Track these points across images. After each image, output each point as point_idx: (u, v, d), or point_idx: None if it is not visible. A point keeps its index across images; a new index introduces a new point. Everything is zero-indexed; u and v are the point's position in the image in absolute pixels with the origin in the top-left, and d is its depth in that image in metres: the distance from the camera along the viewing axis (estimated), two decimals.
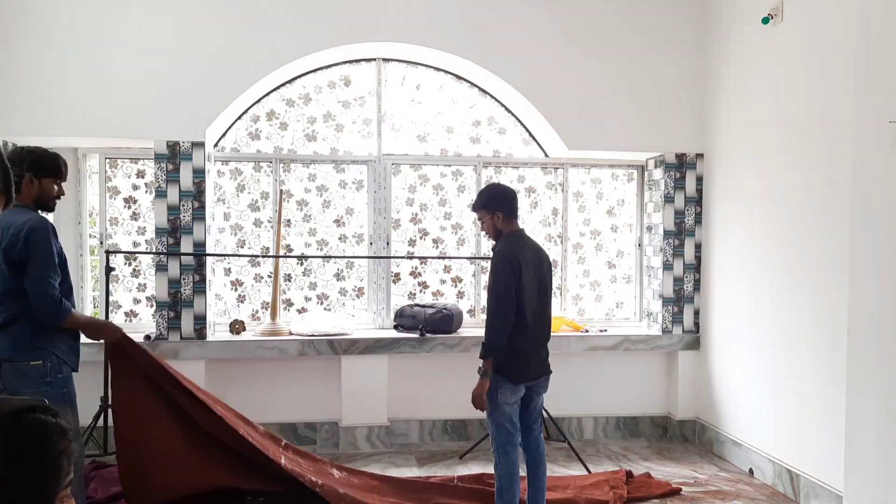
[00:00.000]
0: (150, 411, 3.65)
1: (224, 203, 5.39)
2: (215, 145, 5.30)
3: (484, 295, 5.47)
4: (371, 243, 5.50)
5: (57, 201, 3.46)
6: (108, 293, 4.74)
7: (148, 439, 3.64)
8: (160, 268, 4.96)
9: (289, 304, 5.49)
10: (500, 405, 3.39)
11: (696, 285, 5.48)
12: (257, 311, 5.43)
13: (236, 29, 5.00)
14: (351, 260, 5.52)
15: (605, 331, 5.55)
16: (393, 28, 5.13)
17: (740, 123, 4.93)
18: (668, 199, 5.45)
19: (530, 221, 5.71)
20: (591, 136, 5.35)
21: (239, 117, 5.36)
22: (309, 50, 5.07)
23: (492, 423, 3.45)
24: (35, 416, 1.13)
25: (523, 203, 5.69)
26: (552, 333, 3.57)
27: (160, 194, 4.97)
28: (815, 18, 4.12)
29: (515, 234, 3.55)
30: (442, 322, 5.21)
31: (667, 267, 5.47)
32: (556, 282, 5.46)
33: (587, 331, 5.51)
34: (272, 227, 5.37)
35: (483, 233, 4.04)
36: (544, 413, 4.78)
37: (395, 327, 5.42)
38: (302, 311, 5.49)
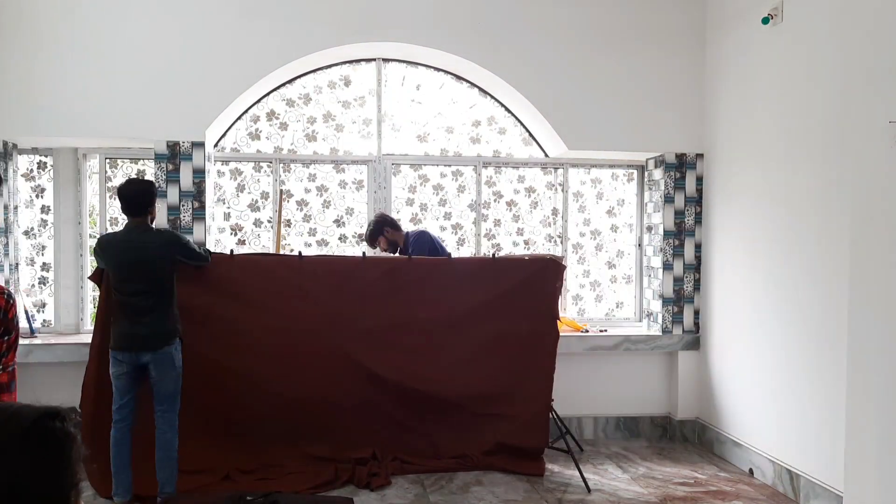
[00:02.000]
0: None
1: (224, 203, 5.39)
2: (215, 145, 5.30)
3: None
4: None
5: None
6: None
7: None
8: None
9: None
10: None
11: (696, 285, 5.48)
12: None
13: (236, 29, 5.00)
14: None
15: (605, 331, 5.55)
16: (393, 28, 5.13)
17: (740, 123, 4.93)
18: (668, 199, 5.45)
19: (530, 222, 5.71)
20: (591, 136, 5.35)
21: (239, 117, 5.36)
22: (309, 50, 5.07)
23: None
24: (55, 425, 1.16)
25: (523, 203, 5.70)
26: None
27: (160, 194, 4.96)
28: (815, 18, 4.12)
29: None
30: None
31: (667, 267, 5.47)
32: None
33: (587, 331, 5.51)
34: (272, 227, 5.37)
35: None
36: (553, 414, 4.77)
37: None
38: None
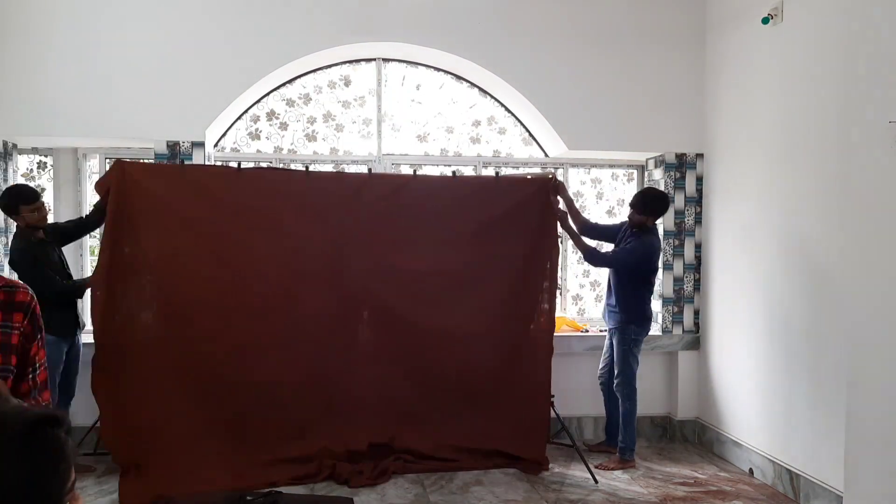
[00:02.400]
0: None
1: None
2: (215, 145, 5.30)
3: None
4: None
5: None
6: None
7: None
8: None
9: None
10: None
11: (696, 285, 5.48)
12: None
13: (236, 29, 5.00)
14: None
15: (606, 331, 5.54)
16: (393, 28, 5.13)
17: (740, 123, 4.93)
18: None
19: None
20: (591, 136, 5.35)
21: (239, 117, 5.36)
22: (309, 50, 5.07)
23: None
24: (52, 433, 1.15)
25: None
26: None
27: None
28: (815, 18, 4.12)
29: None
30: None
31: (667, 267, 5.46)
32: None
33: (587, 331, 5.51)
34: None
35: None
36: (553, 412, 4.77)
37: None
38: None
